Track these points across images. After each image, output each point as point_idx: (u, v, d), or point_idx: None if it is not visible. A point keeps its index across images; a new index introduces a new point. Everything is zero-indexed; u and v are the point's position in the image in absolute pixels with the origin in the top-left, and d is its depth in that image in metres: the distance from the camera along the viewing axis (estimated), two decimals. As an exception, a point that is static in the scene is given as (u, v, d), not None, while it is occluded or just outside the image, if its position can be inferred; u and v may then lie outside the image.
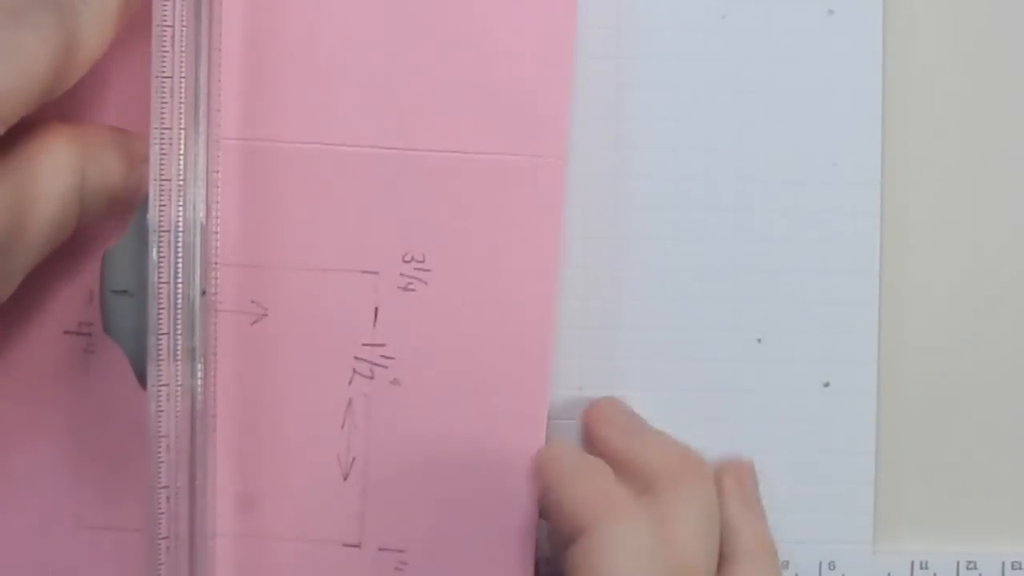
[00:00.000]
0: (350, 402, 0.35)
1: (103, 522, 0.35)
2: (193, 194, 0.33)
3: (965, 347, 0.38)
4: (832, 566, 0.36)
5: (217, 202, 0.34)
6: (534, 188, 0.34)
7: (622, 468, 0.33)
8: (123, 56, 0.34)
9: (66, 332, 0.35)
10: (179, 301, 0.33)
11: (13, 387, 0.35)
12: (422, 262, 0.35)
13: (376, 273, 0.35)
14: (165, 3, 0.32)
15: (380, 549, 0.35)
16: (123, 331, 0.33)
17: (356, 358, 0.35)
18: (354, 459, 0.35)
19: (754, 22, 0.37)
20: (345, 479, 0.35)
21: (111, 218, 0.34)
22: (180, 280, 0.33)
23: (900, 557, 0.36)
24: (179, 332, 0.33)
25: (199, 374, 0.33)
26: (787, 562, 0.36)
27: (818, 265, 0.37)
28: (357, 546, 0.35)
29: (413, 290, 0.35)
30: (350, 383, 0.35)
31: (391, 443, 0.35)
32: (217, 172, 0.34)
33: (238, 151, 0.35)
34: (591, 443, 0.35)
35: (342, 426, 0.35)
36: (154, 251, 0.32)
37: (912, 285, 0.38)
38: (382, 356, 0.35)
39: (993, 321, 0.38)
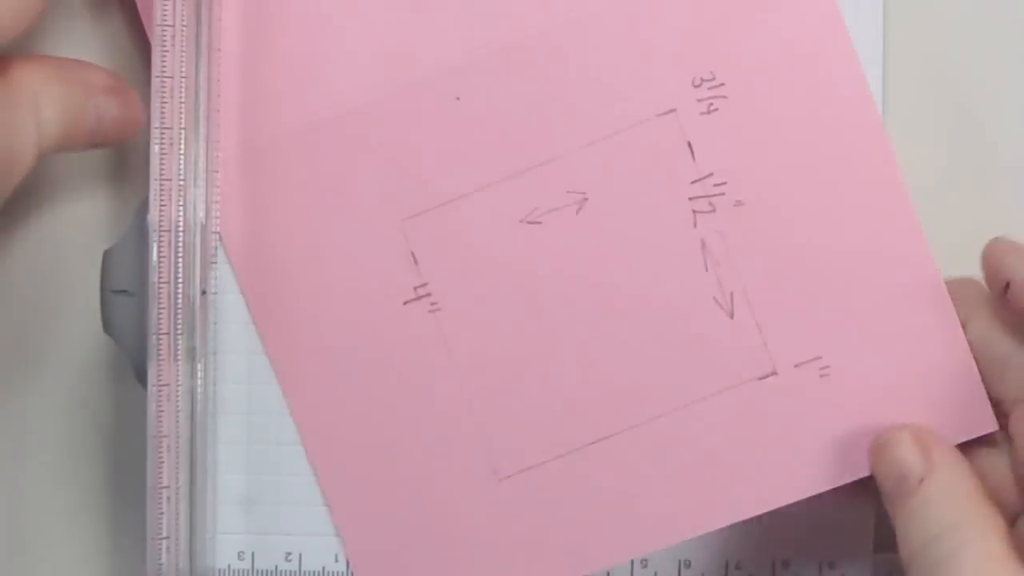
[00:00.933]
0: (703, 243, 0.34)
1: (518, 468, 0.35)
2: (193, 194, 0.33)
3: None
4: (832, 566, 0.36)
5: (217, 202, 0.34)
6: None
7: None
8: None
9: (406, 303, 0.34)
10: (179, 301, 0.33)
11: (380, 372, 0.35)
12: (712, 80, 0.34)
13: (673, 110, 0.34)
14: (165, 3, 0.32)
15: (796, 366, 0.34)
16: (123, 331, 0.33)
17: (691, 198, 0.34)
18: (732, 294, 0.34)
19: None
20: (732, 317, 0.34)
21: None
22: (180, 280, 0.33)
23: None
24: (179, 332, 0.33)
25: (199, 374, 0.34)
26: (787, 562, 0.36)
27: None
28: (774, 374, 0.34)
29: (716, 109, 0.34)
30: (695, 225, 0.34)
31: (760, 264, 0.34)
32: (217, 172, 0.34)
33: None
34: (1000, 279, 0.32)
35: (706, 268, 0.34)
36: (154, 251, 0.32)
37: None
38: (714, 185, 0.34)
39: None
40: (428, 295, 0.34)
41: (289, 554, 0.35)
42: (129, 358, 0.33)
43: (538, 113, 0.34)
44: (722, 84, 0.34)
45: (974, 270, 0.34)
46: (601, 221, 0.34)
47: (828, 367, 0.34)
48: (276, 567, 0.35)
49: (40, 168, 0.36)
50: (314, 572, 0.35)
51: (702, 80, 0.33)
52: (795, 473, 0.34)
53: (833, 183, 0.34)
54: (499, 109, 0.34)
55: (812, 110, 0.34)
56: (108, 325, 0.33)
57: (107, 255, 0.34)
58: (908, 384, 0.33)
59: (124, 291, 0.33)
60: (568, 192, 0.34)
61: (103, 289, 0.33)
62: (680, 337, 0.34)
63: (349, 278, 0.34)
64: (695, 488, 0.34)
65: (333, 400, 0.35)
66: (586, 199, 0.34)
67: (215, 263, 0.34)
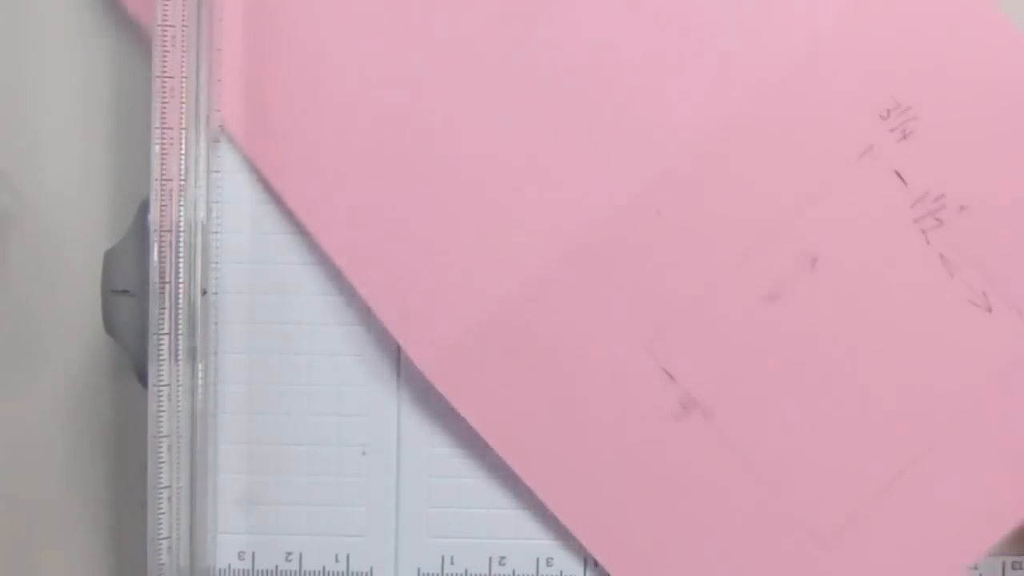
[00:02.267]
0: (941, 255, 0.34)
1: (843, 521, 0.35)
2: (193, 194, 0.33)
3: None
4: (833, 566, 0.36)
5: (217, 202, 0.34)
6: None
7: None
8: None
9: (676, 420, 0.34)
10: (180, 301, 0.33)
11: (671, 494, 0.35)
12: (898, 107, 0.34)
13: (871, 147, 0.34)
14: (165, 3, 0.32)
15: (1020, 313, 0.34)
16: (124, 331, 0.33)
17: (915, 220, 0.34)
18: (984, 292, 0.34)
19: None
20: (991, 311, 0.34)
21: None
22: (181, 280, 0.33)
23: (901, 557, 0.36)
24: (180, 332, 0.33)
25: (199, 374, 0.34)
26: (788, 562, 0.36)
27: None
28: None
29: (911, 132, 0.34)
30: (928, 242, 0.34)
31: (1002, 252, 0.34)
32: (217, 172, 0.34)
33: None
34: None
35: (951, 277, 0.34)
36: (155, 251, 0.33)
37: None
38: (933, 200, 0.34)
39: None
40: (696, 406, 0.34)
41: (289, 554, 0.35)
42: (130, 358, 0.33)
43: (742, 198, 0.34)
44: (909, 107, 0.34)
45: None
46: (837, 272, 0.34)
47: None
48: (276, 567, 0.35)
49: (40, 168, 0.36)
50: (314, 572, 0.35)
51: (888, 111, 0.34)
52: None
53: None
54: (703, 207, 0.34)
55: (999, 101, 0.34)
56: (109, 325, 0.33)
57: (108, 255, 0.34)
58: None
59: (125, 291, 0.33)
60: (797, 259, 0.34)
61: (104, 289, 0.33)
62: (947, 349, 0.34)
63: (612, 414, 0.34)
64: (998, 486, 0.35)
65: (631, 531, 0.35)
66: (816, 258, 0.34)
67: (216, 263, 0.34)
